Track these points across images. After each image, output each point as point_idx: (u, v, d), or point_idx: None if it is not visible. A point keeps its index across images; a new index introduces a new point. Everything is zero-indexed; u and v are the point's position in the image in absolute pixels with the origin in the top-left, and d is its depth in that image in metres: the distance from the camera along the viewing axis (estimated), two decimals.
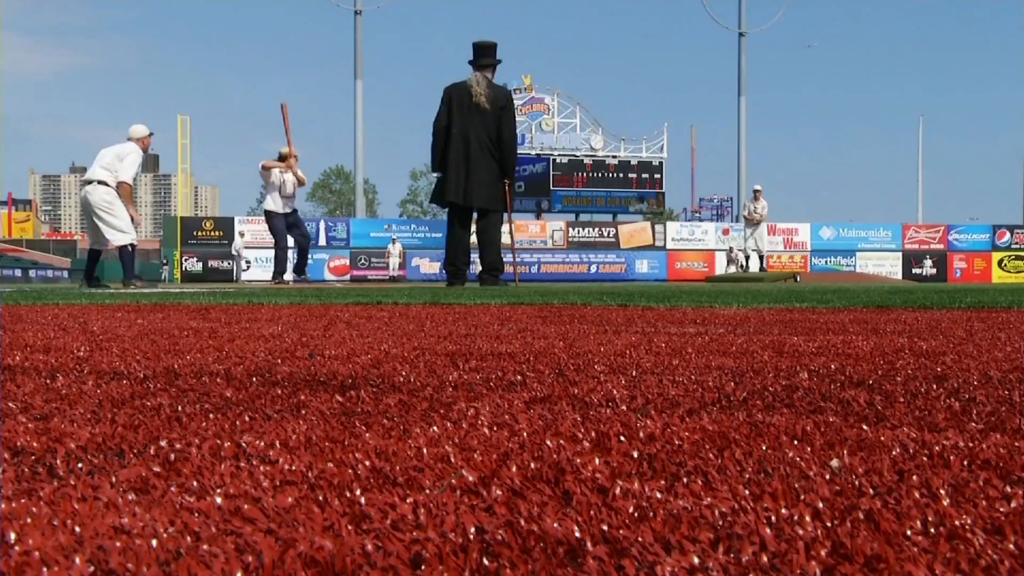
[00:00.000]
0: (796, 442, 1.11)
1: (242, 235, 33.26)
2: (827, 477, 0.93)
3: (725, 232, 37.40)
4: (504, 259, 11.67)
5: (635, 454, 1.04)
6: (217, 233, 34.91)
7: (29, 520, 0.77)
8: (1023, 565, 0.66)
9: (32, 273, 35.51)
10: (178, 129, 47.48)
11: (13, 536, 0.72)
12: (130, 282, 11.03)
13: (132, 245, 10.99)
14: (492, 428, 1.21)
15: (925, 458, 1.01)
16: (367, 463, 0.99)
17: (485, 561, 0.68)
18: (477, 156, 10.90)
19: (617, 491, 0.86)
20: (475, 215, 11.36)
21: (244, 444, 1.09)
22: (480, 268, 11.46)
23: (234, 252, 32.83)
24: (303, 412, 1.36)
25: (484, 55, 11.10)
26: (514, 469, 0.96)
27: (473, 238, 11.50)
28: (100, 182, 10.67)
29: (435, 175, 11.46)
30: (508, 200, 11.24)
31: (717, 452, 1.05)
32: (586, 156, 36.46)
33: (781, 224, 37.22)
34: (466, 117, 10.89)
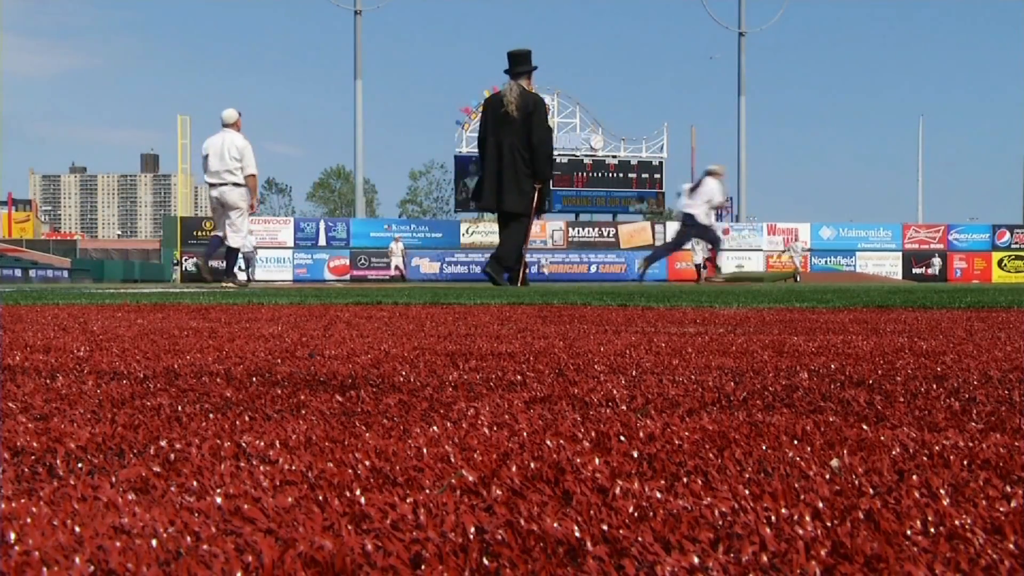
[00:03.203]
0: (796, 442, 1.11)
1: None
2: (827, 477, 0.93)
3: (725, 232, 37.39)
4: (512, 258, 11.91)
5: (635, 454, 1.04)
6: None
7: (29, 520, 0.77)
8: (1023, 565, 0.66)
9: (32, 273, 35.50)
10: (178, 129, 47.47)
11: (13, 536, 0.72)
12: (230, 279, 12.03)
13: (238, 249, 11.89)
14: (492, 428, 1.21)
15: (925, 458, 1.01)
16: (367, 463, 0.99)
17: (485, 561, 0.68)
18: (507, 162, 11.35)
19: (617, 491, 0.86)
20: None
21: (244, 444, 1.09)
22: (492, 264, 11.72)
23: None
24: (303, 412, 1.36)
25: (516, 63, 11.54)
26: (514, 469, 0.95)
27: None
28: (235, 184, 11.56)
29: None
30: (537, 203, 11.52)
31: (717, 452, 1.05)
32: (586, 156, 36.47)
33: (781, 224, 37.21)
34: (499, 126, 11.38)
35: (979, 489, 0.87)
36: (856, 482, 0.90)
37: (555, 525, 0.74)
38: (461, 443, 1.10)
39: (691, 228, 14.22)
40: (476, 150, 12.12)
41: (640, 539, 0.71)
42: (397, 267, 33.86)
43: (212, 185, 11.62)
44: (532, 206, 11.47)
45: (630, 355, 2.25)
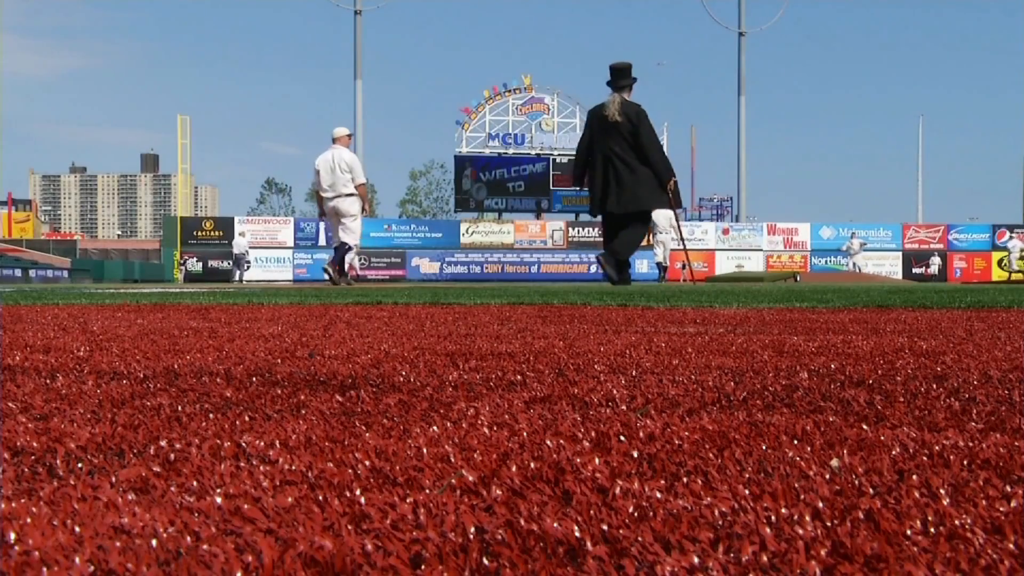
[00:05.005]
0: (796, 442, 1.11)
1: (243, 235, 32.55)
2: (827, 477, 0.93)
3: (725, 232, 37.41)
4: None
5: (635, 454, 1.04)
6: (217, 233, 34.91)
7: (29, 520, 0.77)
8: (1023, 565, 0.66)
9: (32, 273, 35.48)
10: (178, 129, 47.48)
11: (13, 536, 0.72)
12: (343, 277, 12.81)
13: (351, 248, 12.75)
14: (492, 428, 1.21)
15: (925, 458, 1.01)
16: (367, 463, 0.99)
17: (485, 561, 0.68)
18: (619, 168, 11.65)
19: (617, 491, 0.86)
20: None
21: (244, 444, 1.09)
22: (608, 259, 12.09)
23: (241, 254, 31.82)
24: (303, 412, 1.36)
25: (619, 77, 11.88)
26: (514, 469, 0.95)
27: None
28: (347, 194, 12.38)
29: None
30: (674, 199, 11.87)
31: (717, 452, 1.05)
32: None
33: (781, 224, 37.22)
34: (604, 135, 11.67)
35: (979, 489, 0.87)
36: (856, 482, 0.90)
37: (555, 525, 0.74)
38: (461, 443, 1.10)
39: None
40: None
41: (640, 539, 0.71)
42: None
43: (326, 198, 12.40)
44: (670, 202, 11.84)
45: (630, 355, 2.25)
